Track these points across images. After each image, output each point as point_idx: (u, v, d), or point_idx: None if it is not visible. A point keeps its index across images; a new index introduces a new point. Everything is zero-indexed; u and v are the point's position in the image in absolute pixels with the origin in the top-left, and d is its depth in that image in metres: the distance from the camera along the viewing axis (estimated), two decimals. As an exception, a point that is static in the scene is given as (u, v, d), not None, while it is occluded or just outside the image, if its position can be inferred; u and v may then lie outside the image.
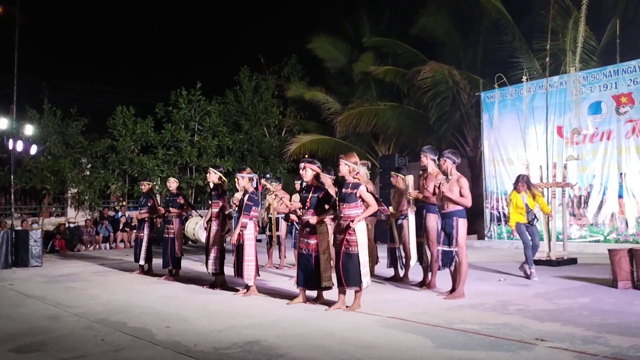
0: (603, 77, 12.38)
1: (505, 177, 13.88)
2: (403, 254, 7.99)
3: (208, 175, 7.85)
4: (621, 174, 12.00)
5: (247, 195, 6.98)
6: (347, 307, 5.87)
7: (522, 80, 12.10)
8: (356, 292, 5.85)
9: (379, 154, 18.38)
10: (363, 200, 5.86)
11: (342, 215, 5.90)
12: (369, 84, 18.67)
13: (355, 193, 5.82)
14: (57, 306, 6.51)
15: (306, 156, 18.11)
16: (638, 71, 11.81)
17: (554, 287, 7.19)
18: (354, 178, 5.96)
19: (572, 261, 9.61)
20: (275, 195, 9.11)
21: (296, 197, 9.33)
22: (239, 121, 19.59)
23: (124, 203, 18.04)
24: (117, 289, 7.82)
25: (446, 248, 6.47)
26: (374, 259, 8.65)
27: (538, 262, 9.53)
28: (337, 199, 6.02)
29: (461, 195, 6.36)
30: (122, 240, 16.31)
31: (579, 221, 12.51)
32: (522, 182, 8.13)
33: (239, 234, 6.94)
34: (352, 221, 5.76)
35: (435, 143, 16.43)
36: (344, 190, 5.93)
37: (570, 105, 12.47)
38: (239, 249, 6.96)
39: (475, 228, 14.64)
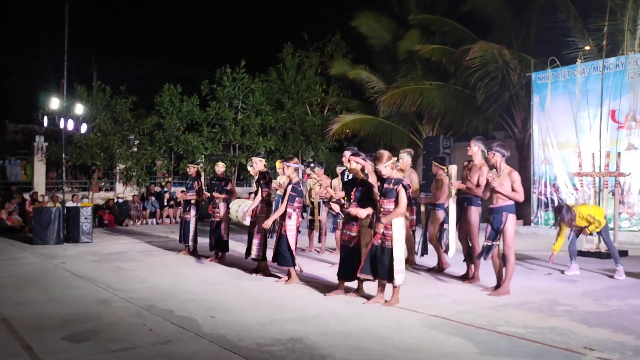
0: (664, 59, 11.76)
1: (556, 161, 13.45)
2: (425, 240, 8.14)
3: (253, 164, 7.88)
4: (679, 162, 11.46)
5: (290, 186, 7.00)
6: (385, 301, 5.87)
7: (577, 61, 11.62)
8: (394, 287, 5.82)
9: (423, 135, 18.06)
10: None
11: (381, 209, 5.87)
12: (414, 63, 18.22)
13: (396, 189, 5.78)
14: (107, 289, 6.74)
15: (349, 134, 17.95)
16: (703, 53, 11.18)
17: (603, 285, 6.99)
18: (397, 172, 5.98)
19: (623, 254, 9.25)
20: (318, 180, 9.22)
21: (335, 181, 9.36)
22: (282, 99, 19.48)
23: (170, 179, 18.42)
24: (164, 272, 8.04)
25: (489, 243, 6.34)
26: (411, 249, 8.52)
27: (585, 254, 9.29)
28: (378, 193, 5.98)
29: (513, 190, 6.20)
30: (167, 216, 16.74)
31: (629, 210, 12.05)
32: None
33: (281, 224, 6.99)
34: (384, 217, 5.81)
35: (482, 124, 16.11)
36: (385, 185, 5.89)
37: (626, 88, 11.90)
38: (280, 238, 7.01)
39: (521, 213, 14.30)
